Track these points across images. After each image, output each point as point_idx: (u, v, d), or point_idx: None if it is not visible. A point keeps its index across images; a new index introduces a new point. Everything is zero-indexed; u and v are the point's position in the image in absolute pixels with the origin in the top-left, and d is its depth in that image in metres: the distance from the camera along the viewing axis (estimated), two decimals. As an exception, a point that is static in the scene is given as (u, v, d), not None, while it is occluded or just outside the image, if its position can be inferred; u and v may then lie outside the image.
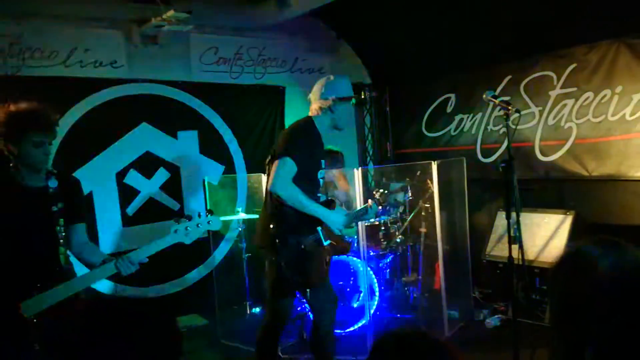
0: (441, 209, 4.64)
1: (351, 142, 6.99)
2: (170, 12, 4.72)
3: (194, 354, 4.64)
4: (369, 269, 4.63)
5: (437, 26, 5.63)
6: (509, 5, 4.98)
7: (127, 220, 5.24)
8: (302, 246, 3.14)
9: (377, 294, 4.65)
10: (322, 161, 3.36)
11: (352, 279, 4.69)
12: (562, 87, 5.05)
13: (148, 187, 5.37)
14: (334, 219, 3.18)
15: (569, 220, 4.79)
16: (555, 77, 5.10)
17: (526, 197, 5.07)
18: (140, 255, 2.59)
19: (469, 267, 5.15)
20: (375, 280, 4.64)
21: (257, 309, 5.37)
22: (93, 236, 4.94)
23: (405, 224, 5.18)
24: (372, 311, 4.55)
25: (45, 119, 2.57)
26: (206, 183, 5.40)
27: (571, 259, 1.32)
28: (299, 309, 4.75)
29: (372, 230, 4.87)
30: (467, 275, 5.14)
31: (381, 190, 3.70)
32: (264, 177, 4.44)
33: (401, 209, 5.24)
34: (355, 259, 4.69)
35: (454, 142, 6.07)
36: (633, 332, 1.14)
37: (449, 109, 6.11)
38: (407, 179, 5.29)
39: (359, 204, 4.49)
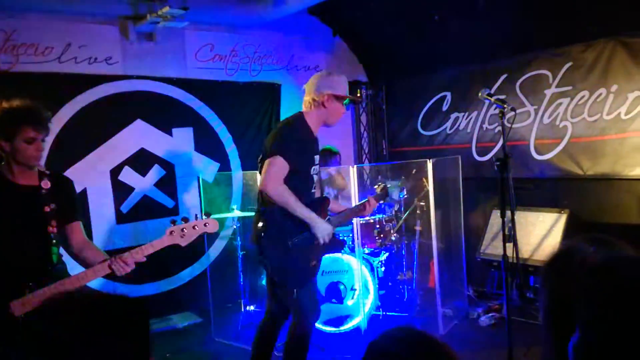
0: (436, 207, 4.65)
1: (347, 140, 6.99)
2: (166, 8, 4.70)
3: (188, 352, 4.63)
4: (363, 267, 4.63)
5: (434, 24, 5.63)
6: (505, 3, 4.98)
7: (121, 218, 5.22)
8: (289, 245, 3.11)
9: (371, 292, 4.65)
10: (315, 157, 3.33)
11: (346, 276, 4.69)
12: (557, 86, 5.06)
13: (142, 184, 5.35)
14: (320, 226, 3.13)
15: (563, 219, 4.80)
16: (550, 75, 5.11)
17: (521, 196, 5.06)
18: (137, 256, 2.57)
19: (464, 266, 5.16)
20: (369, 278, 4.63)
21: (252, 307, 5.36)
22: (87, 233, 4.91)
23: (401, 222, 5.18)
24: (366, 309, 4.54)
25: (39, 115, 2.56)
26: (201, 180, 5.39)
27: (562, 256, 1.33)
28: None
29: (367, 228, 4.87)
30: (461, 273, 5.15)
31: (382, 184, 3.70)
32: (259, 175, 4.43)
33: (396, 207, 5.24)
34: (349, 256, 4.69)
35: (450, 140, 6.07)
36: (621, 329, 1.15)
37: (444, 107, 6.11)
38: (403, 178, 5.29)
39: (353, 202, 4.49)
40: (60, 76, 4.87)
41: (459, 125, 5.97)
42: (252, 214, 4.86)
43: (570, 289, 1.23)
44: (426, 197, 4.80)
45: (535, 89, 5.22)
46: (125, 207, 5.25)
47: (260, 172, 3.22)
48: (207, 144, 5.75)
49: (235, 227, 5.21)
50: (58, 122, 4.77)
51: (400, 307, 5.14)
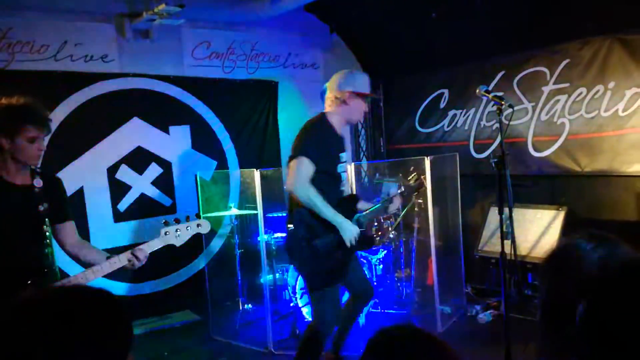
0: (434, 204, 4.64)
1: (345, 138, 6.96)
2: (162, 6, 4.68)
3: (186, 350, 4.63)
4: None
5: (431, 21, 5.61)
6: (503, 0, 4.97)
7: (118, 216, 5.21)
8: (313, 247, 3.14)
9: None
10: (342, 155, 3.36)
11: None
12: (555, 83, 5.05)
13: (140, 182, 5.34)
14: (347, 228, 3.14)
15: (561, 215, 4.80)
16: (548, 72, 5.10)
17: (519, 193, 5.07)
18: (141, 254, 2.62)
19: (462, 263, 5.15)
20: (367, 276, 4.62)
21: (250, 305, 5.35)
22: (84, 231, 4.91)
23: (399, 219, 5.17)
24: (365, 308, 4.53)
25: (42, 114, 2.55)
26: (198, 178, 5.38)
27: (561, 252, 1.33)
28: (291, 304, 4.75)
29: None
30: (459, 270, 5.15)
31: (415, 176, 3.75)
32: (256, 173, 4.44)
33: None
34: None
35: (447, 137, 6.06)
36: (617, 325, 1.15)
37: (442, 105, 6.10)
38: (400, 175, 5.27)
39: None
40: (56, 74, 4.85)
41: (456, 123, 5.96)
42: (250, 212, 4.91)
43: (568, 287, 1.24)
44: (424, 195, 4.79)
45: (532, 86, 5.22)
46: (122, 206, 5.24)
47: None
48: (205, 142, 5.73)
49: (232, 225, 5.20)
50: (55, 120, 4.70)
51: (398, 304, 5.14)
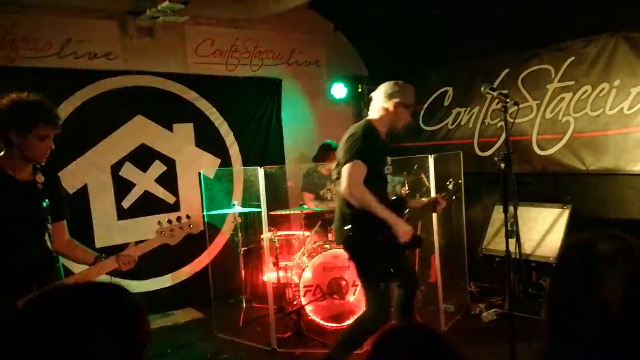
0: (438, 202, 4.62)
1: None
2: (165, 3, 4.67)
3: (189, 347, 4.63)
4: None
5: (434, 19, 5.59)
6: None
7: (122, 214, 5.21)
8: (374, 245, 3.30)
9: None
10: (387, 158, 3.51)
11: (348, 272, 4.68)
12: (560, 81, 5.03)
13: (143, 180, 5.34)
14: (401, 226, 3.29)
15: (566, 214, 4.77)
16: (553, 70, 5.08)
17: (523, 191, 5.04)
18: (136, 253, 2.65)
19: (465, 261, 5.14)
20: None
21: (253, 303, 5.36)
22: (88, 229, 4.92)
23: (403, 218, 5.15)
24: (368, 305, 4.53)
25: (55, 113, 2.55)
26: (202, 176, 5.38)
27: (574, 249, 1.33)
28: (294, 302, 4.75)
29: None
30: (463, 269, 5.14)
31: (452, 181, 3.97)
32: (260, 170, 4.44)
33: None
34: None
35: (452, 135, 6.04)
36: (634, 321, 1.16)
37: (446, 102, 6.08)
38: (405, 173, 5.26)
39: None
40: (60, 71, 4.86)
41: (460, 121, 5.94)
42: (254, 209, 4.90)
43: (584, 281, 1.24)
44: (428, 193, 4.78)
45: (537, 83, 5.20)
46: (126, 203, 5.24)
47: (336, 179, 3.46)
48: (208, 139, 5.73)
49: (236, 222, 5.20)
50: (58, 117, 4.75)
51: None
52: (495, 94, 3.46)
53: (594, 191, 4.89)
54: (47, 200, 2.60)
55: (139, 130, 5.30)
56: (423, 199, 4.00)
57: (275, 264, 4.93)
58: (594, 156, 4.83)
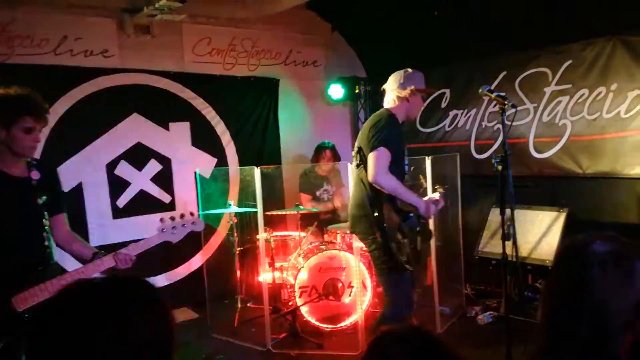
0: (434, 204, 4.61)
1: (345, 136, 6.95)
2: (163, 1, 4.64)
3: (184, 347, 4.60)
4: (361, 264, 4.60)
5: (433, 20, 5.59)
6: (505, 0, 4.95)
7: (117, 212, 5.18)
8: (400, 230, 3.34)
9: (369, 289, 4.63)
10: (405, 148, 3.60)
11: (344, 273, 4.67)
12: (557, 84, 5.04)
13: (139, 178, 5.31)
14: (426, 205, 3.40)
15: (562, 217, 4.78)
16: (550, 73, 5.08)
17: (520, 194, 5.03)
18: (132, 253, 2.61)
19: (462, 264, 5.14)
20: (367, 276, 4.61)
21: (249, 303, 5.33)
22: (82, 228, 4.88)
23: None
24: (364, 307, 4.52)
25: (39, 105, 2.53)
26: (198, 175, 5.35)
27: (570, 251, 1.33)
28: (290, 303, 4.73)
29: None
30: (459, 271, 5.13)
31: (446, 186, 4.00)
32: (256, 170, 4.42)
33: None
34: (347, 253, 4.66)
35: (448, 137, 6.04)
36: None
37: (443, 105, 6.08)
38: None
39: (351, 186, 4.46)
40: (56, 69, 4.82)
41: (457, 123, 5.94)
42: (250, 209, 4.88)
43: (580, 283, 1.24)
44: (424, 195, 4.77)
45: (534, 86, 5.20)
46: (121, 202, 5.21)
47: (357, 166, 3.48)
48: (205, 138, 5.71)
49: (232, 222, 5.18)
50: (53, 115, 4.70)
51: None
52: (492, 96, 3.46)
53: (590, 195, 4.89)
54: (44, 196, 2.58)
55: (135, 129, 5.27)
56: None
57: (271, 264, 4.91)
58: (590, 160, 4.84)
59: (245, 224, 5.32)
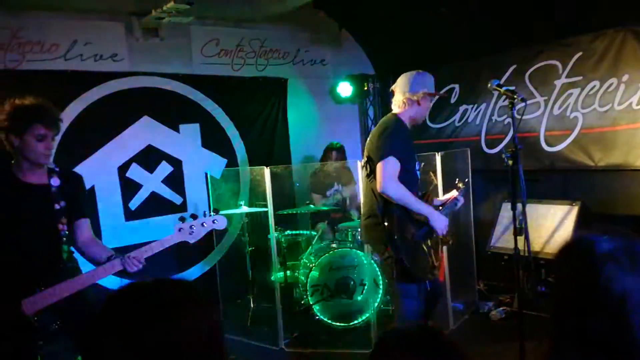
0: (445, 200, 4.59)
1: (354, 134, 6.95)
2: (171, 4, 4.67)
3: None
4: (372, 262, 4.60)
5: (441, 16, 5.56)
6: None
7: (129, 215, 5.23)
8: (414, 240, 3.24)
9: (381, 287, 4.62)
10: (415, 154, 3.47)
11: (355, 271, 4.67)
12: (567, 76, 4.99)
13: (150, 181, 5.35)
14: (438, 218, 3.30)
15: (575, 211, 4.73)
16: (560, 66, 5.03)
17: (531, 188, 4.97)
18: (146, 254, 2.62)
19: (474, 259, 5.11)
20: (379, 273, 4.60)
21: (261, 303, 5.35)
22: (95, 231, 4.92)
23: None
24: (376, 304, 4.52)
25: (50, 113, 2.59)
26: (209, 176, 5.38)
27: (574, 245, 1.32)
28: (302, 301, 4.74)
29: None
30: (471, 267, 5.11)
31: (467, 180, 3.83)
32: (266, 170, 4.43)
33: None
34: (359, 252, 4.66)
35: (459, 133, 6.01)
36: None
37: (453, 100, 6.05)
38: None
39: (361, 196, 4.46)
40: (66, 74, 4.87)
41: (467, 118, 5.91)
42: (260, 209, 4.90)
43: (581, 281, 1.23)
44: (435, 191, 4.75)
45: (544, 79, 5.16)
46: (133, 204, 5.26)
47: (367, 177, 3.38)
48: (214, 139, 5.74)
49: (243, 222, 5.20)
50: (65, 119, 4.72)
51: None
52: (502, 90, 3.43)
53: (603, 187, 4.84)
54: (62, 202, 2.62)
55: (146, 132, 5.31)
56: (440, 198, 3.89)
57: (283, 263, 4.92)
58: (602, 152, 4.79)
59: (256, 224, 5.34)
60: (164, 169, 5.43)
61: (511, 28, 5.20)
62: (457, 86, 6.01)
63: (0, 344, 2.41)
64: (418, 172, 3.48)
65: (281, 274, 4.91)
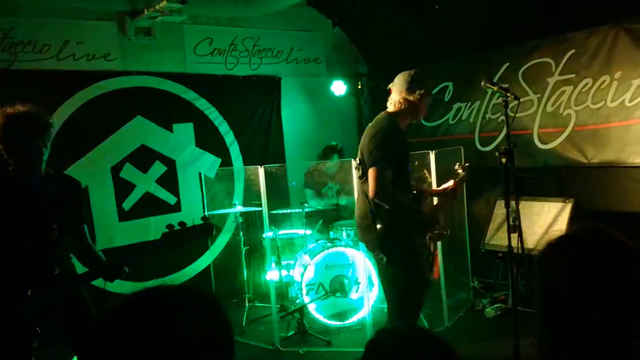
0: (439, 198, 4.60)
1: (350, 133, 6.94)
2: (163, 3, 4.66)
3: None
4: (367, 260, 4.60)
5: (434, 13, 5.57)
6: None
7: (123, 215, 5.21)
8: (409, 243, 3.22)
9: (375, 284, 4.63)
10: (409, 154, 3.43)
11: (350, 270, 4.67)
12: (560, 74, 5.00)
13: (144, 181, 5.33)
14: (430, 221, 3.35)
15: (568, 208, 4.75)
16: (553, 63, 5.05)
17: (525, 186, 5.04)
18: (133, 261, 2.68)
19: (468, 257, 5.12)
20: (373, 271, 4.60)
21: (256, 302, 5.34)
22: (89, 231, 4.89)
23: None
24: (371, 302, 4.52)
25: (41, 120, 2.58)
26: (203, 176, 5.36)
27: (556, 243, 1.33)
28: (297, 300, 4.74)
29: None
30: (466, 264, 5.12)
31: (460, 164, 3.73)
32: (260, 169, 4.43)
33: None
34: (353, 250, 4.66)
35: (453, 131, 6.02)
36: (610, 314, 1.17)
37: (446, 98, 6.05)
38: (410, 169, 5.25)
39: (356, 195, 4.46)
40: (58, 74, 4.84)
41: (461, 116, 5.92)
42: (255, 209, 4.89)
43: (562, 278, 1.26)
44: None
45: (538, 77, 5.17)
46: (127, 204, 5.24)
47: (359, 178, 3.35)
48: (208, 139, 5.72)
49: (237, 222, 5.19)
50: (58, 119, 4.73)
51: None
52: (495, 88, 3.45)
53: (596, 184, 4.86)
54: (59, 208, 2.62)
55: (139, 131, 5.29)
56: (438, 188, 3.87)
57: (277, 262, 4.92)
58: (595, 149, 4.81)
59: (251, 223, 5.34)
60: (158, 168, 5.41)
61: (504, 25, 5.21)
62: (450, 84, 6.01)
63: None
64: (410, 169, 3.45)
65: (276, 273, 4.91)
